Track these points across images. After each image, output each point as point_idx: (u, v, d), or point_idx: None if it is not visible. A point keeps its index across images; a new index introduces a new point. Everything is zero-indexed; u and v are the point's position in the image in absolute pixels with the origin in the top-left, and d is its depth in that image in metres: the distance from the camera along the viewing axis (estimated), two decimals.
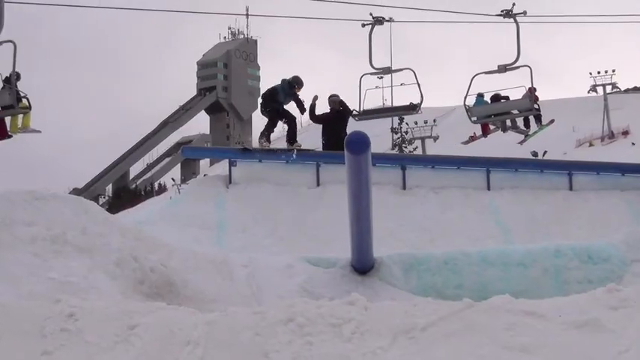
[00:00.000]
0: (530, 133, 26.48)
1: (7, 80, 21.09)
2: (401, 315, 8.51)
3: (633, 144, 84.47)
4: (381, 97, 25.47)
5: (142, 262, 11.25)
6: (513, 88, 24.17)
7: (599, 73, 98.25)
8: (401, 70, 22.68)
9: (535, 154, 56.35)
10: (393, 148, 56.37)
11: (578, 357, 7.38)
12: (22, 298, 9.29)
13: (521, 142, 27.00)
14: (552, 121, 26.93)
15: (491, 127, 25.35)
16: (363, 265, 13.31)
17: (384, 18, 21.54)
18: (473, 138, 29.05)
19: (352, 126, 17.80)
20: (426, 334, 8.12)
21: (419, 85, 21.88)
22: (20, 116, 21.71)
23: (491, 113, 23.85)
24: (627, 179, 21.24)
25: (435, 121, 72.88)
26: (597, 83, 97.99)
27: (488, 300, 8.94)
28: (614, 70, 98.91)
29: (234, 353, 7.82)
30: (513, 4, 20.67)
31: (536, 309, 8.55)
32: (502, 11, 21.04)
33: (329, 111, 21.87)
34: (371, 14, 22.61)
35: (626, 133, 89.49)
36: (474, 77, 22.54)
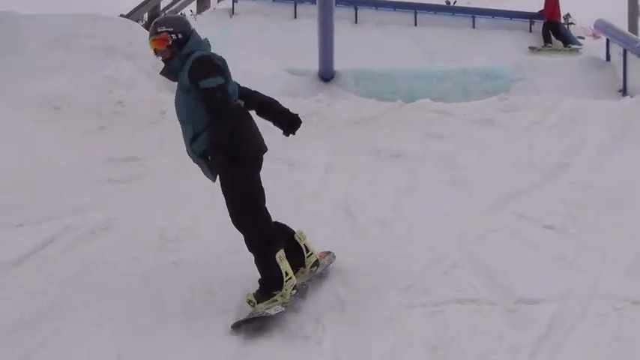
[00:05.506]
0: None
1: None
2: (352, 110, 8.53)
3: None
4: None
5: None
6: None
7: None
8: None
9: (448, 2, 55.86)
10: None
11: (477, 143, 7.44)
12: (84, 89, 9.18)
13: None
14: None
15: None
16: (326, 75, 13.30)
17: None
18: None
19: None
20: (369, 123, 8.15)
21: None
22: None
23: None
24: (514, 22, 21.18)
25: None
26: None
27: (414, 102, 8.94)
28: None
29: None
30: None
31: (449, 109, 8.58)
32: None
33: None
34: None
35: None
36: None
